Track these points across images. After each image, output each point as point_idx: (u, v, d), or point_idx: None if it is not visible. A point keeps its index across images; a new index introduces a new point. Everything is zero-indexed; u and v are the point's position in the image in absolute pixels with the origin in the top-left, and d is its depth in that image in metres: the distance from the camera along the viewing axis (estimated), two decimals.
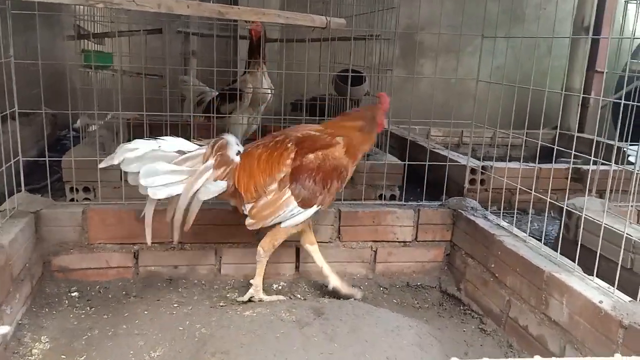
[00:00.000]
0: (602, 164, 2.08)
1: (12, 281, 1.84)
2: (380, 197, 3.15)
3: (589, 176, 2.84)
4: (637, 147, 2.47)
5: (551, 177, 1.89)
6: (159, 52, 3.60)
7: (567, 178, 3.26)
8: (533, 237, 2.12)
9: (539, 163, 2.86)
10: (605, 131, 2.58)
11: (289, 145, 1.97)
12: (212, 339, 1.80)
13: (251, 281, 2.07)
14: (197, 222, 2.26)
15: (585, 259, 1.88)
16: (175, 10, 1.84)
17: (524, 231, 2.17)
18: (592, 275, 1.76)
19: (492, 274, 2.12)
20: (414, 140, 4.07)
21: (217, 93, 3.46)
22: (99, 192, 2.49)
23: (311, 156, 1.95)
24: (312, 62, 3.46)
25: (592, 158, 1.87)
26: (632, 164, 2.81)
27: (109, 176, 2.82)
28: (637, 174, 2.04)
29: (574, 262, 1.86)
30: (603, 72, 4.86)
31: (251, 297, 2.07)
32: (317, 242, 2.34)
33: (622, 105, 1.92)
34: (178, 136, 1.96)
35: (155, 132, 3.50)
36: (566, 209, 2.14)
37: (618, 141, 2.16)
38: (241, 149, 1.99)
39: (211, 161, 1.88)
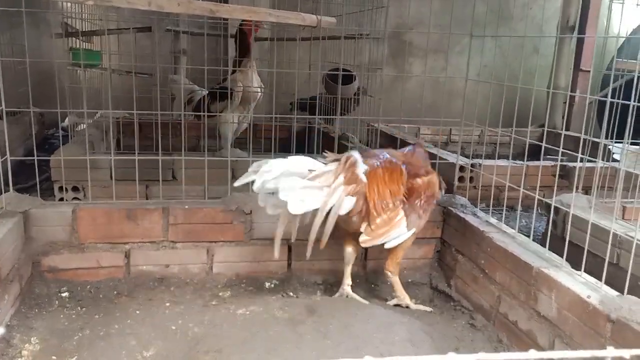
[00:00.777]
0: (589, 161, 2.12)
1: (0, 282, 1.82)
2: None
3: (576, 173, 2.89)
4: (621, 144, 2.52)
5: (539, 175, 1.92)
6: (148, 51, 3.58)
7: (553, 175, 3.32)
8: (521, 233, 2.16)
9: (519, 160, 2.91)
10: (591, 129, 2.62)
11: (403, 168, 2.08)
12: (205, 337, 1.80)
13: (396, 294, 2.18)
14: (188, 221, 2.27)
15: (573, 255, 1.91)
16: (166, 8, 1.84)
17: (513, 228, 2.20)
18: (580, 271, 1.79)
19: (482, 270, 2.15)
20: (404, 139, 4.09)
21: (207, 92, 3.45)
22: (89, 191, 2.47)
23: (419, 181, 2.08)
24: (302, 61, 3.47)
25: (580, 155, 1.90)
26: (616, 161, 2.86)
27: (98, 175, 2.80)
28: (622, 171, 2.08)
29: (562, 257, 1.90)
30: (588, 71, 4.95)
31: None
32: (306, 239, 2.36)
33: (607, 103, 1.96)
34: (168, 134, 1.96)
35: (145, 131, 3.49)
36: (554, 206, 2.17)
37: (601, 138, 2.20)
38: (366, 167, 2.02)
39: (342, 178, 1.91)
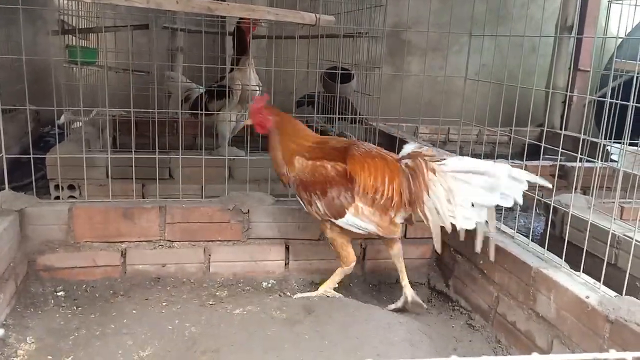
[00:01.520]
0: (587, 161, 2.11)
1: None
2: None
3: (575, 173, 2.88)
4: (619, 145, 2.52)
5: (538, 174, 1.90)
6: (145, 48, 3.55)
7: (552, 175, 3.31)
8: (520, 233, 2.15)
9: (519, 160, 2.89)
10: (590, 129, 2.62)
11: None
12: (202, 337, 1.79)
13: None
14: (185, 220, 2.26)
15: (571, 255, 1.91)
16: (164, 6, 1.82)
17: (511, 228, 2.20)
18: (579, 271, 1.79)
19: (480, 271, 2.15)
20: (402, 137, 4.08)
21: (204, 90, 3.43)
22: (85, 190, 2.45)
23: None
24: (300, 60, 3.45)
25: (579, 155, 1.90)
26: (615, 161, 2.86)
27: (94, 174, 2.78)
28: (620, 171, 2.08)
29: (560, 257, 1.89)
30: (586, 71, 4.95)
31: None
32: (307, 239, 2.35)
33: (606, 103, 1.95)
34: (164, 132, 1.94)
35: (141, 129, 3.47)
36: (553, 206, 2.16)
37: (600, 138, 2.20)
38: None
39: None
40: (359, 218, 1.95)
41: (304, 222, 2.32)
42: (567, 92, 4.43)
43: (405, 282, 2.11)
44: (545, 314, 1.78)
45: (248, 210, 2.29)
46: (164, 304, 2.05)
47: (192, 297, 2.14)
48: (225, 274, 2.31)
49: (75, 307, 2.03)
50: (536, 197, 2.04)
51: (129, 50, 3.02)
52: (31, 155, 2.25)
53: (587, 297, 1.63)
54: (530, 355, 0.58)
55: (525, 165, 2.51)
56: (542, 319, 1.79)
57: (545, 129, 2.16)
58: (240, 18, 3.02)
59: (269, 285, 2.30)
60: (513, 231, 2.14)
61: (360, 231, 1.99)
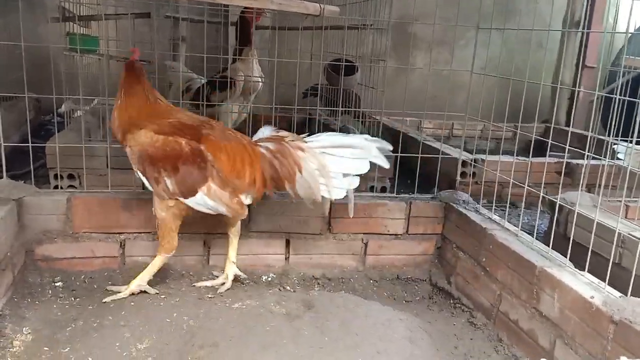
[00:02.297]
0: (593, 158, 2.08)
1: None
2: (371, 189, 3.13)
3: (583, 171, 2.85)
4: (626, 142, 2.48)
5: (544, 172, 1.88)
6: (146, 37, 3.51)
7: (557, 172, 3.28)
8: (523, 231, 2.12)
9: (522, 156, 2.86)
10: (597, 126, 2.58)
11: None
12: (200, 331, 1.77)
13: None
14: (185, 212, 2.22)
15: (574, 254, 1.88)
16: None
17: (514, 225, 2.17)
18: (583, 270, 1.76)
19: (483, 268, 2.12)
20: (406, 132, 4.05)
21: (206, 80, 3.39)
22: (84, 179, 2.42)
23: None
24: (304, 51, 3.41)
25: (586, 153, 1.86)
26: (619, 159, 2.82)
27: (94, 163, 2.76)
28: (627, 169, 2.04)
29: (564, 256, 1.86)
30: (593, 67, 4.89)
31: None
32: (308, 233, 2.33)
33: (614, 100, 1.91)
34: None
35: None
36: (559, 204, 2.13)
37: (606, 136, 2.16)
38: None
39: None
40: (209, 198, 1.91)
41: (305, 216, 2.30)
42: (569, 87, 4.38)
43: (233, 259, 2.12)
44: (549, 313, 1.75)
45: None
46: (162, 296, 2.03)
47: (190, 289, 2.12)
48: (224, 266, 2.28)
49: (72, 298, 2.01)
50: (541, 194, 2.01)
51: (130, 38, 2.98)
52: (30, 144, 2.22)
53: (592, 297, 1.60)
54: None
55: (531, 162, 2.47)
56: (545, 318, 1.77)
57: (552, 125, 2.12)
58: (245, 8, 2.97)
59: (269, 279, 2.28)
60: (517, 229, 2.11)
61: (209, 211, 1.95)
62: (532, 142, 2.08)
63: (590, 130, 1.88)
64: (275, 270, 2.32)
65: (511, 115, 2.26)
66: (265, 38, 4.17)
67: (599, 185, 2.30)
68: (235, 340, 1.70)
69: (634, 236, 2.12)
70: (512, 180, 2.18)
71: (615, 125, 2.38)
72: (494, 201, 2.33)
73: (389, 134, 3.98)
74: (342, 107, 3.69)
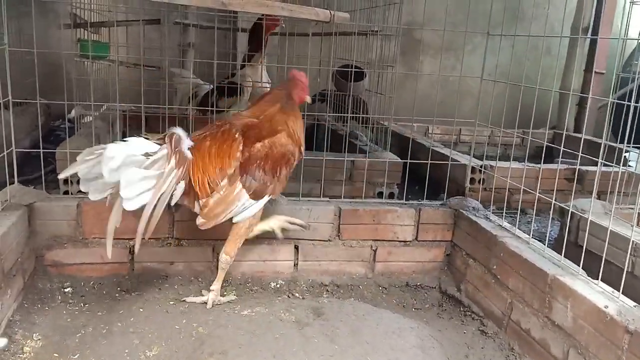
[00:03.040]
0: (604, 165, 2.06)
1: (3, 276, 1.78)
2: (379, 194, 3.12)
3: (595, 178, 2.83)
4: (637, 149, 2.46)
5: (557, 179, 1.86)
6: (156, 43, 3.53)
7: (566, 179, 3.25)
8: (534, 238, 2.10)
9: (530, 163, 2.84)
10: (608, 133, 2.55)
11: (236, 135, 1.88)
12: (209, 338, 1.76)
13: (212, 287, 2.02)
14: (194, 218, 2.22)
15: (586, 262, 1.86)
16: (178, 0, 1.79)
17: (524, 232, 2.15)
18: (596, 279, 1.74)
19: (493, 276, 2.10)
20: (415, 138, 4.04)
21: (212, 87, 3.40)
22: None
23: (259, 145, 1.88)
24: (312, 57, 3.41)
25: (600, 160, 1.84)
26: (630, 166, 2.79)
27: None
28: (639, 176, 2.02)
29: (575, 264, 1.84)
30: (601, 74, 4.86)
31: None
32: (316, 240, 2.31)
33: (627, 106, 1.90)
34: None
35: (151, 124, 3.44)
36: (570, 211, 2.11)
37: (616, 143, 2.14)
38: (190, 143, 1.85)
39: (173, 161, 1.74)
40: None
41: (314, 222, 2.29)
42: (582, 94, 4.36)
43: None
44: (562, 323, 1.73)
45: None
46: (171, 302, 2.03)
47: (199, 296, 2.11)
48: (233, 273, 2.28)
49: (82, 304, 2.01)
50: (553, 201, 1.99)
51: (140, 45, 2.99)
52: (41, 150, 2.23)
53: (606, 306, 1.58)
54: None
55: (541, 168, 2.45)
56: (557, 328, 1.75)
57: (564, 132, 2.10)
58: (262, 15, 2.96)
59: (278, 285, 2.27)
60: (528, 236, 2.09)
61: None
62: (544, 148, 2.06)
63: (604, 137, 1.86)
64: (284, 277, 2.31)
65: (521, 121, 2.24)
66: (274, 44, 4.18)
67: (610, 192, 2.29)
68: (244, 348, 1.69)
69: None
70: (522, 187, 2.16)
71: (626, 132, 2.36)
72: (505, 208, 2.31)
73: (397, 139, 3.98)
74: (350, 113, 3.70)
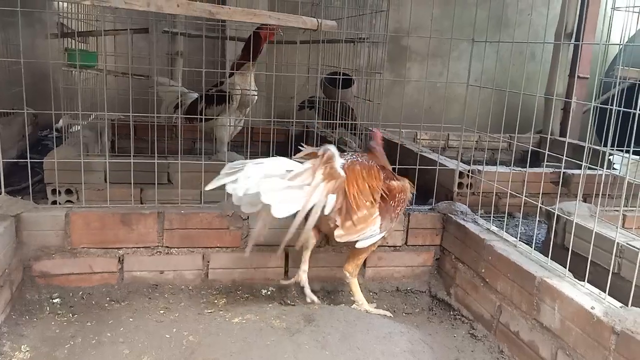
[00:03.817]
0: (589, 168, 2.09)
1: None
2: None
3: (580, 181, 2.87)
4: (622, 153, 2.50)
5: (543, 182, 1.89)
6: (145, 52, 3.53)
7: (552, 182, 3.29)
8: (521, 241, 2.13)
9: (516, 167, 2.88)
10: (592, 136, 2.60)
11: (377, 167, 2.07)
12: (200, 347, 1.75)
13: (355, 299, 2.12)
14: (184, 226, 2.23)
15: (572, 263, 1.89)
16: (165, 9, 1.80)
17: (512, 235, 2.18)
18: (582, 281, 1.77)
19: (482, 279, 2.12)
20: (403, 144, 4.07)
21: (199, 95, 3.39)
22: (82, 194, 2.42)
23: (395, 183, 2.06)
24: (300, 65, 3.43)
25: (584, 164, 1.88)
26: (615, 169, 2.85)
27: (92, 178, 2.75)
28: (624, 179, 2.06)
29: (562, 266, 1.87)
30: (585, 78, 4.95)
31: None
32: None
33: (608, 110, 1.94)
34: (163, 136, 1.90)
35: (140, 133, 3.44)
36: (556, 214, 2.14)
37: (601, 146, 2.18)
38: (343, 161, 1.97)
39: (320, 174, 1.83)
40: None
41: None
42: (565, 99, 4.43)
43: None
44: (550, 325, 1.75)
45: (247, 217, 2.26)
46: (161, 311, 2.02)
47: (190, 304, 2.11)
48: (224, 280, 2.28)
49: (71, 315, 1.99)
50: (539, 205, 2.02)
51: (128, 54, 2.99)
52: (28, 160, 2.21)
53: (593, 307, 1.61)
54: None
55: (527, 172, 2.48)
56: (546, 330, 1.77)
57: (548, 136, 2.14)
58: (262, 24, 2.95)
59: (269, 292, 2.27)
60: (515, 239, 2.12)
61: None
62: (529, 152, 2.09)
63: (587, 141, 1.89)
64: (275, 283, 2.31)
65: (507, 126, 2.28)
66: (262, 52, 4.20)
67: (596, 195, 2.32)
68: (235, 356, 1.69)
69: (632, 246, 2.13)
70: (509, 191, 2.19)
71: (609, 135, 2.41)
72: (492, 212, 2.34)
73: (386, 145, 4.00)
74: (338, 120, 3.72)
